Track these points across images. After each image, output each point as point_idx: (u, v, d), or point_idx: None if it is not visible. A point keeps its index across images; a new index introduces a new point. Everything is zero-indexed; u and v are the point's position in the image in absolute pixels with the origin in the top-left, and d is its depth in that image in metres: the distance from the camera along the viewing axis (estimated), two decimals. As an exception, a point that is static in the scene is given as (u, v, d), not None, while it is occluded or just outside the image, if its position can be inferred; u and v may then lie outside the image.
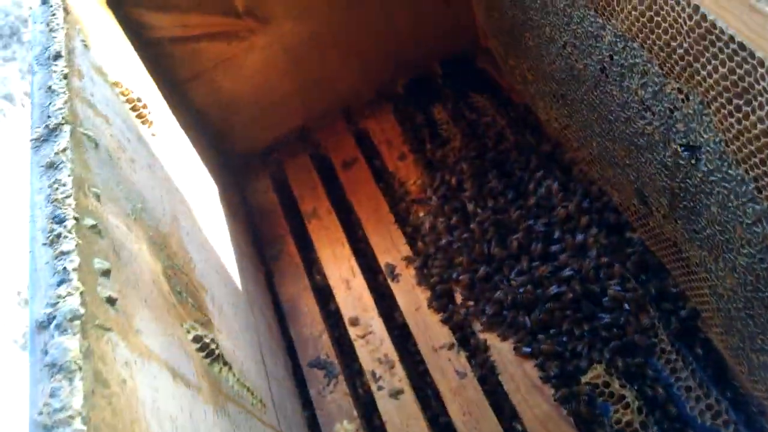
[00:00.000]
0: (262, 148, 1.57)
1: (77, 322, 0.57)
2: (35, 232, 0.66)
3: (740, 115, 0.69)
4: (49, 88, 0.80)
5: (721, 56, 0.68)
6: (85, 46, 0.93)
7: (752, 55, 0.62)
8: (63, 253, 0.62)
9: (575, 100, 1.14)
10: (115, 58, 1.04)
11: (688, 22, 0.71)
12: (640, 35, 0.84)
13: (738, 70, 0.66)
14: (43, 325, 0.58)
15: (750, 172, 0.72)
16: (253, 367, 1.00)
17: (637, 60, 0.87)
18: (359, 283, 1.30)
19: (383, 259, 1.33)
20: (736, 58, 0.65)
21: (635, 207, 1.11)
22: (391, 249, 1.33)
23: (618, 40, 0.90)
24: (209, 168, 1.35)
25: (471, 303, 1.20)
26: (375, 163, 1.49)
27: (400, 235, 1.34)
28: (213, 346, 0.84)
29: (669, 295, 1.10)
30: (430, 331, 1.20)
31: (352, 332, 1.25)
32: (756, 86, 0.64)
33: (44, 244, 0.64)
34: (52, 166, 0.71)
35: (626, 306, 1.11)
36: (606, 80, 0.99)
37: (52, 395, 0.54)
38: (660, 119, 0.88)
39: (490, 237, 1.25)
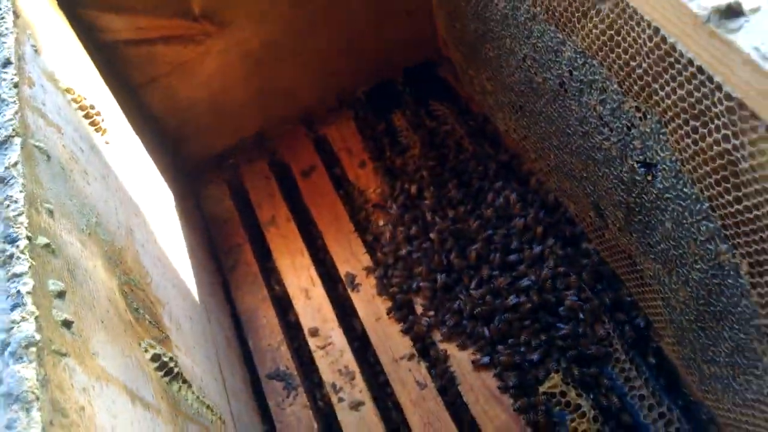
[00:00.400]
0: (218, 154, 1.54)
1: (33, 349, 0.55)
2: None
3: (696, 137, 0.71)
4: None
5: (679, 78, 0.70)
6: (36, 51, 0.90)
7: (710, 79, 0.64)
8: (16, 276, 0.59)
9: (534, 112, 1.16)
10: (67, 63, 1.01)
11: (648, 44, 0.73)
12: (600, 53, 0.85)
13: (696, 93, 0.68)
14: (-8, 353, 0.56)
15: (705, 192, 0.74)
16: (212, 383, 0.98)
17: (596, 77, 0.89)
18: (319, 293, 1.29)
19: (343, 269, 1.32)
20: (694, 81, 0.67)
21: (591, 219, 1.14)
22: (351, 258, 1.32)
23: (578, 56, 0.91)
24: (165, 176, 1.32)
25: (431, 313, 1.21)
26: (335, 171, 1.48)
27: (360, 244, 1.34)
28: (172, 365, 0.82)
29: (623, 304, 1.13)
30: (391, 341, 1.20)
31: (312, 343, 1.24)
32: (713, 109, 0.66)
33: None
34: (2, 181, 0.68)
35: (582, 316, 1.13)
36: (565, 94, 1.01)
37: (8, 427, 0.51)
38: (617, 135, 0.90)
39: (449, 247, 1.26)
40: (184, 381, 0.84)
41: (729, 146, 0.66)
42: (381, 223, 1.36)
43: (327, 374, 1.19)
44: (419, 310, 1.23)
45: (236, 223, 1.43)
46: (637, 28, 0.74)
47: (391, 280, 1.27)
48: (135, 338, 0.76)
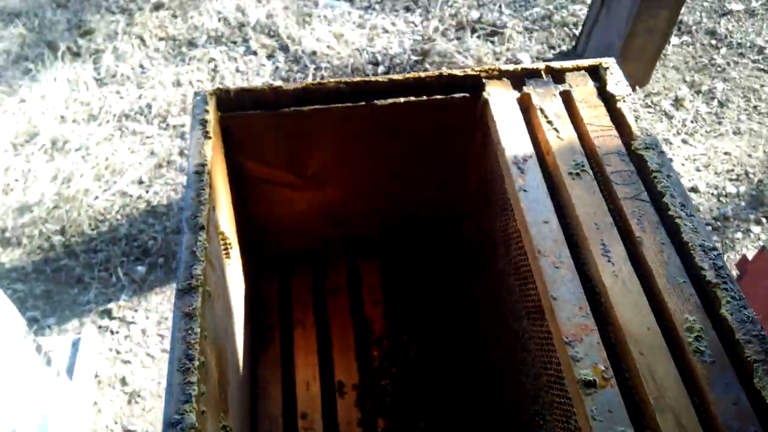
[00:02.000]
0: (282, 256, 2.08)
1: (192, 430, 1.07)
2: (173, 358, 1.15)
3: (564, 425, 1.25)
4: (193, 253, 1.29)
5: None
6: (214, 210, 1.44)
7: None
8: (190, 383, 1.12)
9: (502, 331, 1.71)
10: (221, 208, 1.55)
11: (558, 373, 1.27)
12: (533, 350, 1.40)
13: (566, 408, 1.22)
14: (172, 424, 1.07)
15: (559, 454, 1.28)
16: (237, 439, 1.50)
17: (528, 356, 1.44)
18: (316, 388, 1.82)
19: (338, 377, 1.85)
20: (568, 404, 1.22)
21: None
22: (345, 372, 1.86)
23: (531, 343, 1.46)
24: (244, 268, 1.86)
25: (386, 435, 1.74)
26: (355, 298, 2.02)
27: (354, 365, 1.87)
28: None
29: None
30: (353, 443, 1.73)
31: (300, 423, 1.76)
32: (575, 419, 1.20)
33: (178, 370, 1.13)
34: (188, 315, 1.20)
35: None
36: (520, 342, 1.56)
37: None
38: (533, 389, 1.44)
39: (416, 393, 1.79)
40: (230, 442, 1.36)
41: (572, 443, 1.20)
42: (375, 353, 1.90)
43: (303, 449, 1.72)
44: (379, 428, 1.76)
45: (275, 314, 1.97)
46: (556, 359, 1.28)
47: (367, 400, 1.80)
48: (218, 415, 1.29)
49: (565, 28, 4.60)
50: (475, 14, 4.64)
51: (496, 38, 4.48)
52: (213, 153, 1.51)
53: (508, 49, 4.39)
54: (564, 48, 4.44)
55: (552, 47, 4.44)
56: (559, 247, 1.32)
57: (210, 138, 1.50)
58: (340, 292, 2.02)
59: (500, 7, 4.75)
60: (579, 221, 1.36)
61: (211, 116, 1.56)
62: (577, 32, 4.53)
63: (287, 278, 2.06)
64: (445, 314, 1.97)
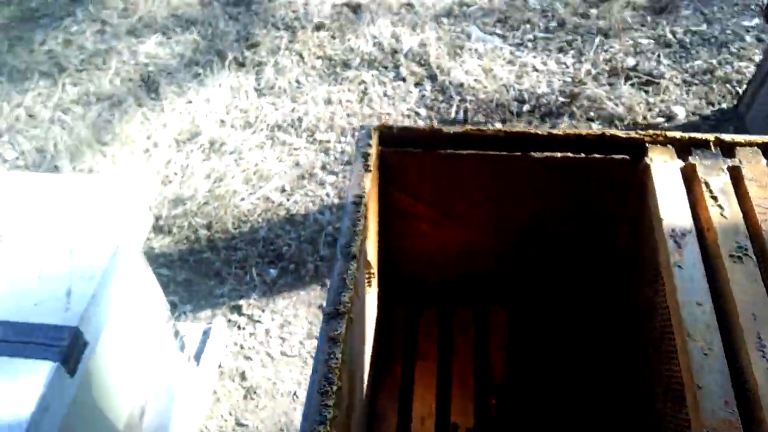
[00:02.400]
0: (416, 288, 2.13)
1: None
2: (314, 379, 1.22)
3: None
4: (343, 280, 1.36)
5: None
6: (365, 240, 1.51)
7: None
8: (326, 405, 1.18)
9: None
10: (371, 238, 1.62)
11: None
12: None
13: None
14: (308, 442, 1.14)
15: None
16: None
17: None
18: (430, 424, 1.85)
19: (454, 417, 1.86)
20: None
21: None
22: (461, 415, 1.86)
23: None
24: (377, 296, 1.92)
25: (495, 485, 1.73)
26: (480, 341, 2.03)
27: (471, 407, 1.88)
28: (349, 454, 1.39)
29: None
30: (461, 486, 1.74)
31: (411, 456, 1.80)
32: None
33: (318, 392, 1.20)
34: (333, 340, 1.27)
35: None
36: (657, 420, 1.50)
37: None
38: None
39: (529, 447, 1.77)
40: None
41: None
42: (494, 401, 1.89)
43: (411, 482, 1.74)
44: (489, 477, 1.75)
45: (399, 345, 2.02)
46: None
47: (480, 446, 1.80)
48: (343, 437, 1.35)
49: (728, 85, 4.36)
50: (631, 61, 4.51)
51: (650, 88, 4.33)
52: (370, 185, 1.58)
53: (662, 101, 4.22)
54: (724, 106, 4.20)
55: (711, 103, 4.22)
56: (710, 333, 1.27)
57: (370, 171, 1.57)
58: (465, 333, 2.03)
59: (659, 56, 4.58)
60: (736, 309, 1.29)
61: (374, 150, 1.64)
62: (740, 90, 4.28)
63: (416, 311, 2.10)
64: (573, 374, 1.93)
